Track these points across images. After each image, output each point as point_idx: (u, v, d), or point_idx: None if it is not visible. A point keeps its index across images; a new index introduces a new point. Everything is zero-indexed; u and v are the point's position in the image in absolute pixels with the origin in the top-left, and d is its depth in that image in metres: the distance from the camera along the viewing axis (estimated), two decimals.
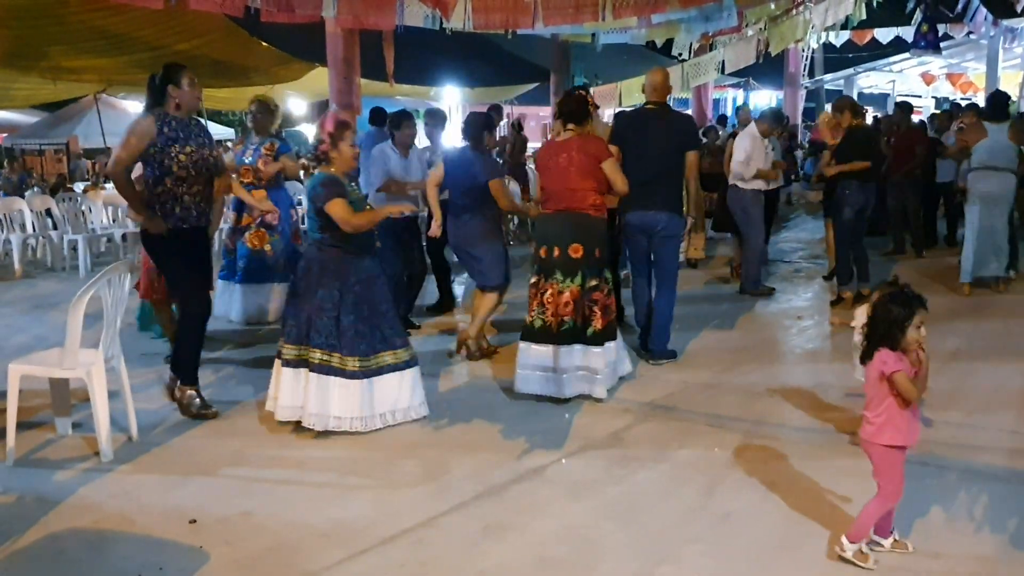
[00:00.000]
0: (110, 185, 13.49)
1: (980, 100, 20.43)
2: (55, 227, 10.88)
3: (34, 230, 10.73)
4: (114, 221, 11.29)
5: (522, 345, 5.21)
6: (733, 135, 9.33)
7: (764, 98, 25.98)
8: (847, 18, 12.23)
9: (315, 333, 4.56)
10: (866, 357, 3.29)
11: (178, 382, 5.05)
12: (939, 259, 9.62)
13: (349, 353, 4.54)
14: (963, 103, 16.31)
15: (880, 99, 25.29)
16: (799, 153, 17.07)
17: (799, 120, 21.58)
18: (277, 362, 4.75)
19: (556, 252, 5.12)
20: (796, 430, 4.68)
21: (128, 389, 4.62)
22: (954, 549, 3.37)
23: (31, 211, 10.70)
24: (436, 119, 7.72)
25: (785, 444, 4.47)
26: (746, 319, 7.28)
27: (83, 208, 11.31)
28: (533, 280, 5.25)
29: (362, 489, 4.01)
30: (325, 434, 4.64)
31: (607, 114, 12.43)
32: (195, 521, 3.66)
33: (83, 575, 3.30)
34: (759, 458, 4.28)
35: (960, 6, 14.27)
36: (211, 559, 3.35)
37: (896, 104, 12.96)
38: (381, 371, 4.63)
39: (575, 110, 5.28)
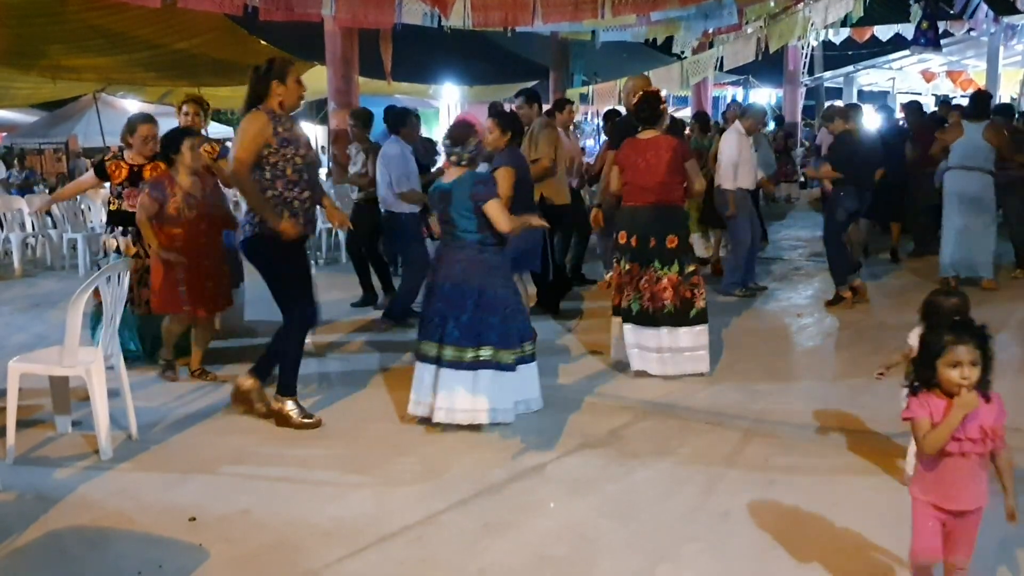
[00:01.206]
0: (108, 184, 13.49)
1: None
2: (54, 226, 10.88)
3: (33, 229, 10.74)
4: None
5: (626, 327, 5.57)
6: (721, 131, 9.21)
7: (764, 96, 25.98)
8: (846, 15, 12.22)
9: (487, 331, 4.55)
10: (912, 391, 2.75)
11: (275, 394, 4.77)
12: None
13: (506, 347, 4.63)
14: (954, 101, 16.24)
15: (880, 97, 25.29)
16: (800, 151, 17.10)
17: (798, 118, 21.58)
18: (431, 367, 4.63)
19: (652, 242, 5.49)
20: (795, 428, 4.68)
21: (127, 387, 4.63)
22: None
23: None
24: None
25: (784, 442, 4.48)
26: (746, 317, 7.28)
27: (82, 207, 11.30)
28: (627, 268, 5.56)
29: (362, 487, 4.02)
30: (324, 433, 4.67)
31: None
32: (195, 519, 3.66)
33: (83, 573, 3.30)
34: (758, 456, 4.29)
35: (961, 3, 14.23)
36: (211, 557, 3.35)
37: (905, 105, 12.77)
38: (525, 361, 4.77)
39: (652, 114, 5.63)
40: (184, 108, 6.40)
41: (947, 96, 13.07)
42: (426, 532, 3.55)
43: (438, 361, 4.59)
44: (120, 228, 5.89)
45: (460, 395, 4.56)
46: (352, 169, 7.88)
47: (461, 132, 4.64)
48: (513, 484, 4.01)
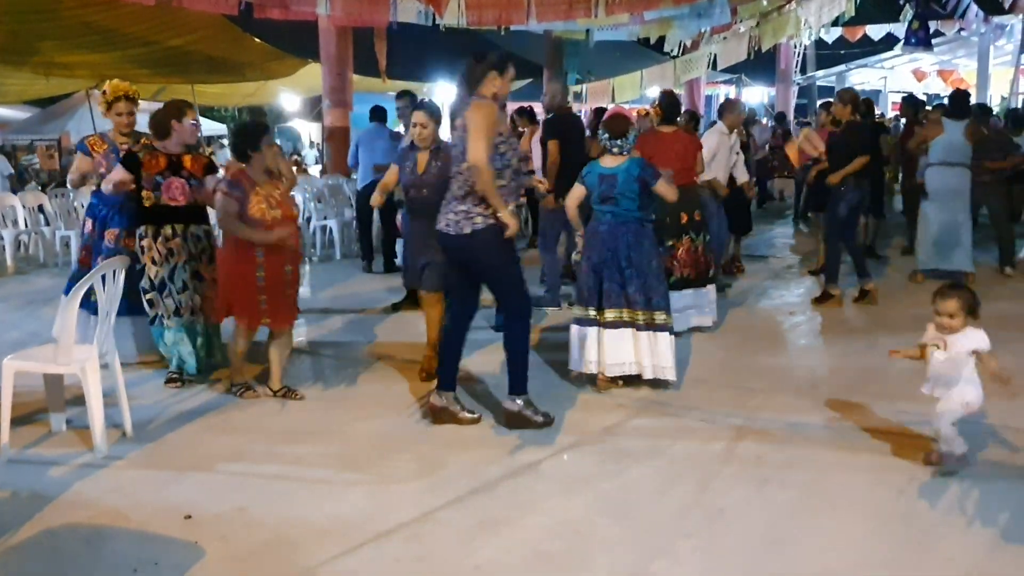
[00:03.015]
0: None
1: (972, 97, 20.51)
2: (47, 223, 10.85)
3: (26, 226, 10.71)
4: None
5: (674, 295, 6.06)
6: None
7: (756, 94, 26.04)
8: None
9: (657, 297, 5.23)
10: None
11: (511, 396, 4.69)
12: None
13: (671, 312, 5.37)
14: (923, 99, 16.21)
15: (872, 96, 25.39)
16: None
17: (791, 116, 21.61)
18: (594, 329, 5.22)
19: (684, 218, 6.40)
20: (789, 425, 4.70)
21: (123, 385, 4.61)
22: (945, 544, 3.39)
23: (23, 207, 10.67)
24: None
25: (778, 439, 4.50)
26: (738, 314, 7.30)
27: (75, 204, 11.26)
28: (669, 243, 6.34)
29: (357, 484, 4.03)
30: (319, 430, 4.68)
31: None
32: (190, 516, 3.66)
33: (78, 570, 3.30)
34: (753, 453, 4.31)
35: (952, 3, 14.31)
36: (206, 554, 3.36)
37: (904, 99, 12.76)
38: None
39: (674, 112, 6.86)
40: (118, 107, 5.73)
41: (911, 94, 13.06)
42: (422, 529, 3.56)
43: (604, 324, 5.21)
44: (150, 229, 5.33)
45: (630, 351, 5.20)
46: None
47: (621, 126, 5.20)
48: (508, 481, 4.02)
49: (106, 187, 5.49)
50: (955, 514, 3.63)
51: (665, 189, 5.21)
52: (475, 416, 4.77)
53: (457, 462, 4.23)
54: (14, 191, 11.70)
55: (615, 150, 5.22)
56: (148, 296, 5.39)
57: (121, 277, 4.48)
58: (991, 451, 4.30)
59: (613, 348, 5.20)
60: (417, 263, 5.50)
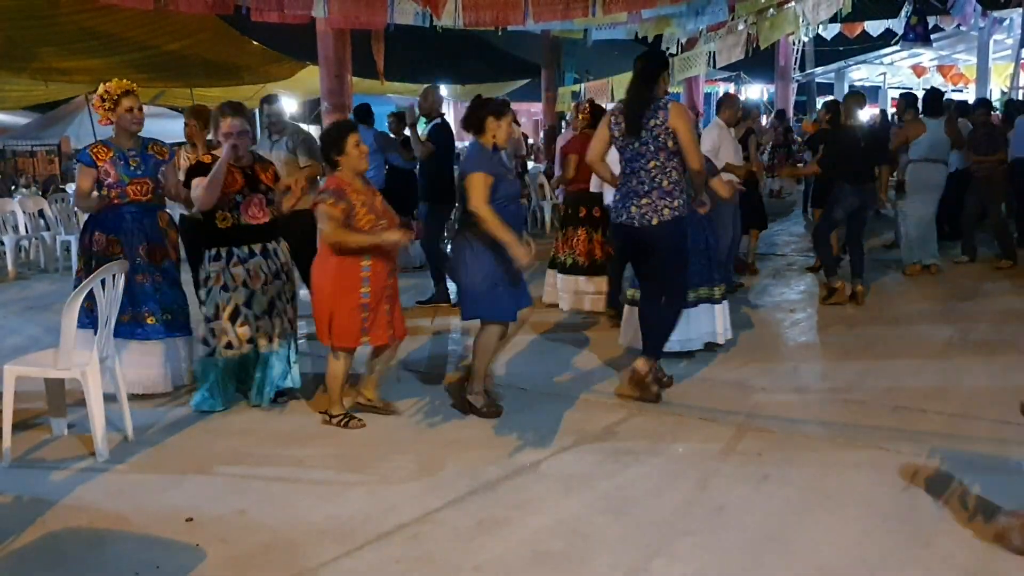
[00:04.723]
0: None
1: (971, 92, 20.51)
2: (48, 228, 10.87)
3: (27, 231, 10.72)
4: None
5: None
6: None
7: (755, 92, 26.05)
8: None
9: (716, 274, 5.94)
10: None
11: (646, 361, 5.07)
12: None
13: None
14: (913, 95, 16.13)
15: (871, 92, 25.37)
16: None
17: (790, 113, 21.62)
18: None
19: (583, 211, 7.22)
20: (789, 422, 4.71)
21: (123, 389, 4.62)
22: (944, 541, 3.40)
23: (24, 212, 10.69)
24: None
25: (778, 436, 4.50)
26: (738, 312, 7.29)
27: (75, 209, 11.29)
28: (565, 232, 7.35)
29: (357, 485, 4.03)
30: (319, 432, 4.69)
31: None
32: (191, 519, 3.67)
33: (80, 574, 3.31)
34: (752, 451, 4.31)
35: None
36: (208, 557, 3.37)
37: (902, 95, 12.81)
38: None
39: (599, 117, 6.55)
40: (126, 103, 5.20)
41: (910, 91, 13.09)
42: (422, 530, 3.57)
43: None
44: (223, 251, 4.86)
45: (696, 325, 5.85)
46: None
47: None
48: (508, 481, 4.03)
49: (200, 190, 4.77)
50: (955, 510, 3.63)
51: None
52: (660, 392, 5.11)
53: (456, 462, 4.24)
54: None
55: None
56: (212, 325, 4.91)
57: (120, 282, 4.48)
58: (988, 447, 4.31)
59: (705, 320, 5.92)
60: (517, 281, 4.86)
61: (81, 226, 5.58)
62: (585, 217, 7.18)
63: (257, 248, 4.92)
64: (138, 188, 5.19)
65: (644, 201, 4.89)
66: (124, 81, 5.25)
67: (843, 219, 7.53)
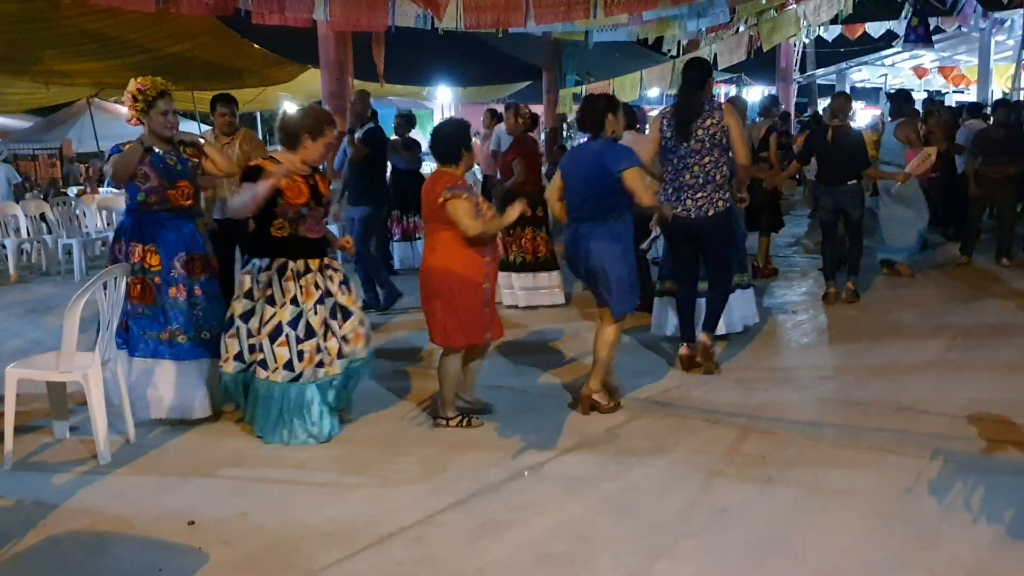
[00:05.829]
0: (104, 189, 13.47)
1: (972, 93, 20.50)
2: (49, 231, 10.86)
3: (28, 234, 10.72)
4: (108, 225, 11.27)
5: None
6: None
7: (757, 93, 26.02)
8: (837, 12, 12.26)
9: (741, 263, 6.24)
10: None
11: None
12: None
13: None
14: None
15: (873, 93, 25.36)
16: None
17: (791, 114, 21.63)
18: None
19: (528, 212, 6.98)
20: (792, 424, 4.70)
21: (125, 392, 4.62)
22: (949, 541, 3.39)
23: (25, 215, 10.69)
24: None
25: (781, 438, 4.49)
26: None
27: (77, 212, 11.30)
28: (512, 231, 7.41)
29: (359, 488, 4.03)
30: None
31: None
32: (193, 522, 3.67)
33: None
34: (755, 453, 4.30)
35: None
36: (210, 559, 3.36)
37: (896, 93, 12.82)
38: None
39: (536, 122, 7.38)
40: (160, 106, 4.82)
41: (940, 92, 13.14)
42: (424, 532, 3.56)
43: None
44: (276, 264, 4.47)
45: (736, 310, 6.18)
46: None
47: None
48: (511, 483, 4.02)
49: (241, 200, 4.42)
50: (959, 511, 3.62)
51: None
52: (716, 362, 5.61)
53: (459, 464, 4.23)
54: (17, 199, 11.69)
55: None
56: (252, 341, 4.51)
57: (122, 285, 4.47)
58: (992, 448, 4.30)
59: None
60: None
61: (85, 230, 5.51)
62: (530, 217, 7.41)
63: (314, 264, 4.54)
64: (179, 193, 4.81)
65: (700, 195, 5.38)
66: (159, 80, 4.86)
67: (830, 220, 7.57)
